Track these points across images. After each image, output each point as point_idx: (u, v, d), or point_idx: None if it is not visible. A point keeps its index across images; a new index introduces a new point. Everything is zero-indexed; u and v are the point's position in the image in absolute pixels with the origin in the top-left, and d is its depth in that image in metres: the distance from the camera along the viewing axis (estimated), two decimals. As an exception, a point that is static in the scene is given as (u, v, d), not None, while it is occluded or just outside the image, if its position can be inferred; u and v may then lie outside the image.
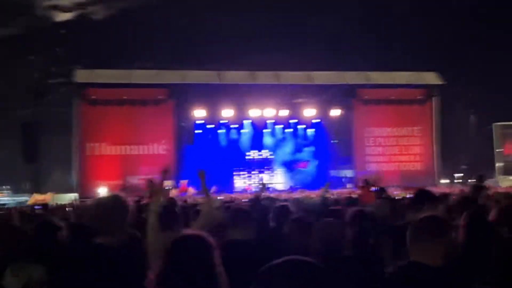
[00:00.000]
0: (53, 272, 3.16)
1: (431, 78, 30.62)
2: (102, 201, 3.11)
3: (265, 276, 1.72)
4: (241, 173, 31.14)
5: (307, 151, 31.01)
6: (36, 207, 11.74)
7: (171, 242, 2.42)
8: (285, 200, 10.82)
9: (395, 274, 2.79)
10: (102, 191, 24.84)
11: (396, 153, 30.36)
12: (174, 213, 5.22)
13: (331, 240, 3.63)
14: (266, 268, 1.76)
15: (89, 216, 3.11)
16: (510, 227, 4.07)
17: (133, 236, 3.93)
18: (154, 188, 4.16)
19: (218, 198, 16.85)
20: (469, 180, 30.52)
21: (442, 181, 31.43)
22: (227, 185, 29.32)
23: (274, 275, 1.71)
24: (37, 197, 20.03)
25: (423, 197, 4.64)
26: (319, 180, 29.89)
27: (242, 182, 30.93)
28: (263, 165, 31.45)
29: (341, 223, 4.12)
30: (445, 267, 2.66)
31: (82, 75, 27.94)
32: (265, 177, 30.91)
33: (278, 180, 31.01)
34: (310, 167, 30.02)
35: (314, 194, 20.18)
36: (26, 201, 28.67)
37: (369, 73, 30.26)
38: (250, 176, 31.27)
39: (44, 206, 11.84)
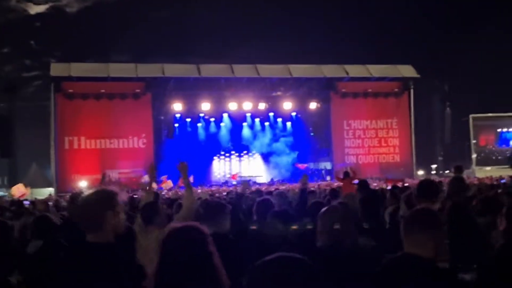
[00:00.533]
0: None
1: (406, 71, 30.99)
2: (91, 197, 2.98)
3: (257, 272, 1.72)
4: (220, 161, 31.26)
5: (285, 142, 31.14)
6: (25, 202, 11.61)
7: (167, 234, 2.41)
8: (269, 193, 10.96)
9: (388, 265, 2.84)
10: (82, 184, 24.62)
11: (375, 145, 30.72)
12: (157, 208, 5.23)
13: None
14: (259, 264, 1.75)
15: (78, 214, 2.98)
16: (492, 215, 4.20)
17: (128, 230, 3.97)
18: (143, 186, 4.21)
19: (198, 191, 16.95)
20: (446, 171, 31.16)
21: (419, 172, 31.94)
22: (206, 178, 29.39)
23: (265, 271, 1.71)
24: (21, 189, 19.67)
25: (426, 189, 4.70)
26: (297, 172, 30.17)
27: (221, 174, 31.01)
28: (242, 157, 31.61)
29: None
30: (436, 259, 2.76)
31: (57, 69, 27.56)
32: (245, 170, 31.11)
33: (258, 173, 31.14)
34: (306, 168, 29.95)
35: (295, 187, 20.42)
36: (3, 196, 28.33)
37: (346, 66, 30.46)
38: (230, 167, 31.40)
39: (32, 202, 11.78)
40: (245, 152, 31.81)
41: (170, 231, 2.43)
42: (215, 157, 31.10)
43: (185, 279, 2.27)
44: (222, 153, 31.47)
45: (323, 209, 3.94)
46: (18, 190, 19.59)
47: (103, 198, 2.84)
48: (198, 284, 2.29)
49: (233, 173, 30.37)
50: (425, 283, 2.64)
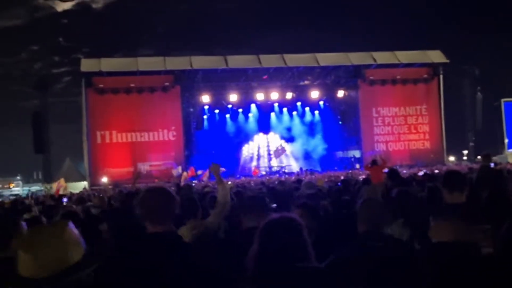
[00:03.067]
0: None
1: (435, 56, 30.57)
2: (154, 191, 3.14)
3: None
4: (249, 152, 31.43)
5: (313, 131, 31.05)
6: (64, 199, 11.83)
7: (266, 224, 2.57)
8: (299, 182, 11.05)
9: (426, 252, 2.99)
10: (104, 180, 24.91)
11: (404, 132, 30.46)
12: (194, 201, 5.33)
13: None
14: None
15: (141, 206, 3.09)
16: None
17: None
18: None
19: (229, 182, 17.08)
20: (477, 157, 30.68)
21: (450, 158, 31.55)
22: (234, 169, 29.55)
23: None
24: (62, 183, 20.26)
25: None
26: (327, 162, 30.17)
27: (249, 165, 31.15)
28: (271, 147, 31.69)
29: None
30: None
31: (87, 64, 27.96)
32: (273, 161, 31.22)
33: (286, 162, 31.20)
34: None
35: (323, 176, 20.43)
36: (39, 190, 29.08)
37: (374, 53, 30.18)
38: (258, 159, 31.54)
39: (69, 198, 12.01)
40: (273, 142, 31.81)
41: (269, 221, 2.59)
42: (243, 148, 31.24)
43: (283, 261, 2.43)
44: (250, 143, 31.57)
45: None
46: (58, 184, 20.20)
47: (170, 193, 3.02)
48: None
49: (255, 167, 30.46)
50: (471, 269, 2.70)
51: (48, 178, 28.54)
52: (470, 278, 2.63)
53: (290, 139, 31.26)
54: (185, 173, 25.22)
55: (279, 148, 30.72)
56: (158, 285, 2.63)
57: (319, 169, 28.94)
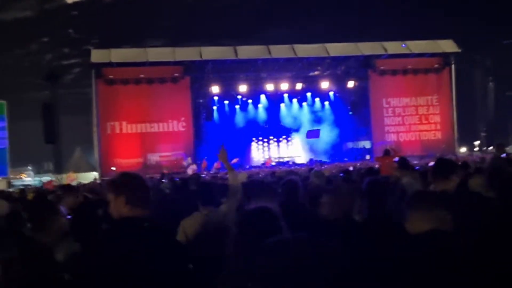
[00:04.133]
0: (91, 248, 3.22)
1: (447, 45, 30.27)
2: (130, 175, 3.22)
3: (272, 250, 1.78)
4: (259, 145, 31.40)
5: (323, 122, 30.92)
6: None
7: (247, 213, 2.64)
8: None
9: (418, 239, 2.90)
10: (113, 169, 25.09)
11: (416, 122, 30.26)
12: (208, 188, 5.35)
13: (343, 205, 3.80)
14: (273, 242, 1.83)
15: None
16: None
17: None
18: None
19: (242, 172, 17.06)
20: (489, 148, 30.44)
21: (462, 149, 31.35)
22: (245, 160, 29.56)
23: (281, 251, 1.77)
24: (72, 177, 20.60)
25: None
26: (337, 153, 30.08)
27: (260, 156, 31.13)
28: (281, 138, 31.64)
29: (351, 189, 4.24)
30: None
31: (97, 55, 27.98)
32: (283, 151, 31.20)
33: (296, 153, 31.15)
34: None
35: (331, 168, 20.37)
36: (51, 180, 29.25)
37: (384, 43, 29.94)
38: (268, 149, 31.50)
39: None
40: (282, 133, 31.77)
41: (249, 210, 2.70)
42: (253, 139, 31.22)
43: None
44: (260, 135, 31.52)
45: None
46: (68, 178, 20.58)
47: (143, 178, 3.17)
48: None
49: (267, 157, 30.44)
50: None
51: (59, 169, 28.72)
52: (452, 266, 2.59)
53: (300, 130, 31.16)
54: (194, 166, 25.35)
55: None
56: (132, 270, 2.64)
57: (328, 160, 28.87)
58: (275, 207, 2.73)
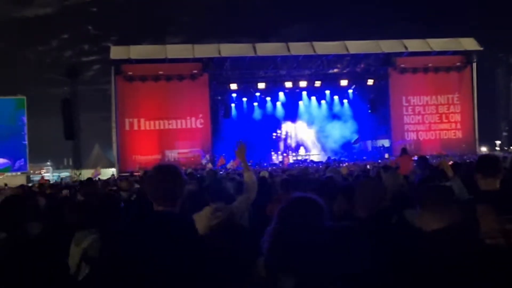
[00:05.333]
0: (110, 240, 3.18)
1: (468, 43, 29.83)
2: (162, 168, 3.10)
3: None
4: (277, 140, 31.36)
5: (342, 120, 30.68)
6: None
7: (289, 202, 2.60)
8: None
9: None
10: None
11: (436, 121, 29.86)
12: (220, 184, 5.32)
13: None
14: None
15: (147, 184, 3.07)
16: None
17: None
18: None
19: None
20: (511, 147, 29.98)
21: (482, 148, 30.89)
22: (263, 158, 29.45)
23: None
24: (99, 171, 21.04)
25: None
26: (354, 151, 29.88)
27: (277, 154, 30.99)
28: (298, 137, 31.51)
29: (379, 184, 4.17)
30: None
31: (117, 52, 28.09)
32: (301, 149, 31.07)
33: (314, 152, 30.99)
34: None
35: (350, 166, 20.16)
36: (68, 176, 29.53)
37: (405, 41, 29.61)
38: (286, 148, 31.38)
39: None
40: (301, 131, 31.61)
41: (292, 199, 2.64)
42: (272, 136, 31.12)
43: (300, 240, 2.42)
44: (279, 132, 31.43)
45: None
46: (96, 171, 20.97)
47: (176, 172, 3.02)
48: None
49: (285, 156, 30.24)
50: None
51: (77, 164, 28.92)
52: (467, 267, 2.47)
53: (318, 128, 30.98)
54: (210, 165, 25.31)
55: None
56: (154, 265, 2.58)
57: (346, 158, 28.65)
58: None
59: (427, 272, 2.54)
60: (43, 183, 16.40)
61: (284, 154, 30.48)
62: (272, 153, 30.97)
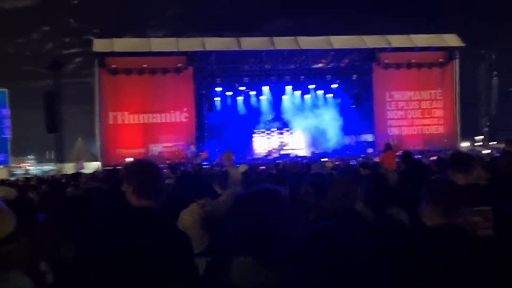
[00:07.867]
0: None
1: (451, 40, 30.13)
2: (140, 163, 3.07)
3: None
4: (261, 135, 31.27)
5: (326, 115, 30.76)
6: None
7: (245, 195, 2.39)
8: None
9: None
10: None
11: (418, 116, 30.17)
12: (206, 180, 5.36)
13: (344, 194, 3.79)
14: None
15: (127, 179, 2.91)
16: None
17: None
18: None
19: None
20: (491, 143, 30.39)
21: (463, 144, 31.26)
22: (247, 152, 29.46)
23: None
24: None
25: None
26: (339, 145, 30.00)
27: (262, 147, 30.96)
28: (283, 130, 31.53)
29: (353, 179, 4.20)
30: None
31: (100, 44, 27.81)
32: (285, 142, 31.09)
33: (298, 146, 31.04)
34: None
35: (334, 161, 20.34)
36: (51, 170, 29.22)
37: (388, 36, 29.80)
38: (269, 139, 31.32)
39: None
40: (285, 125, 31.65)
41: (251, 192, 2.40)
42: (255, 131, 31.10)
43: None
44: (262, 126, 31.41)
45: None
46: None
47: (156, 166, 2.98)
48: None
49: (270, 150, 30.24)
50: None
51: (60, 158, 28.62)
52: (464, 262, 2.52)
53: (302, 122, 31.03)
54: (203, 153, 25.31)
55: (281, 144, 30.43)
56: (135, 261, 2.57)
57: (330, 153, 28.75)
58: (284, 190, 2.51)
59: (429, 267, 2.57)
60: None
61: (269, 149, 30.50)
62: (257, 147, 30.95)
